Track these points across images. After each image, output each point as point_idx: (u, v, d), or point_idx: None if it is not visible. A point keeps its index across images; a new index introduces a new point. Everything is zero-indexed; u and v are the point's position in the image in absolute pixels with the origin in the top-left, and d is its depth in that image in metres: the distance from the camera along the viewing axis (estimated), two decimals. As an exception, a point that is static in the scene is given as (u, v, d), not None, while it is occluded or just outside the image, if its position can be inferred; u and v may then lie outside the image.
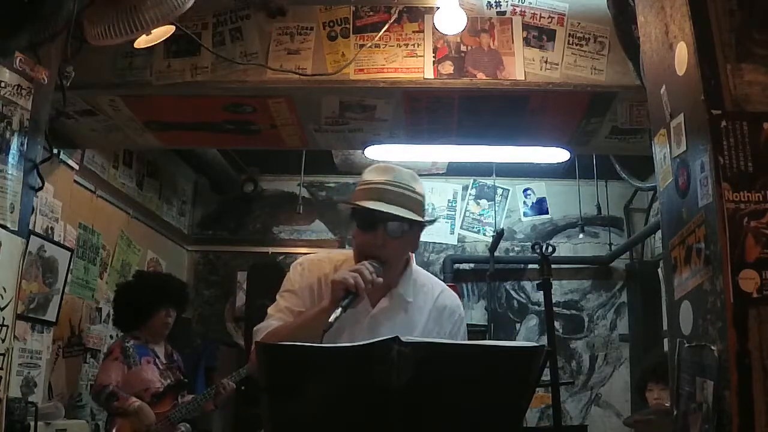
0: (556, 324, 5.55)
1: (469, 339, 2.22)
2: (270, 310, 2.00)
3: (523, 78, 3.09)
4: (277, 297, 2.02)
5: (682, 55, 1.74)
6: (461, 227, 5.99)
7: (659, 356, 3.66)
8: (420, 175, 6.05)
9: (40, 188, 2.41)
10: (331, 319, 1.70)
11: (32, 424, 2.92)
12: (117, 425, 3.43)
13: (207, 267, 6.01)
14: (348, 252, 2.04)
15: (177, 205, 5.76)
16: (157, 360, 3.71)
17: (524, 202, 6.05)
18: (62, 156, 3.81)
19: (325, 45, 3.13)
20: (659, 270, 5.29)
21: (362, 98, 3.30)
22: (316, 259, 2.07)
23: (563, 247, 5.76)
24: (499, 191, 6.02)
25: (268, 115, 3.45)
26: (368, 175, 1.96)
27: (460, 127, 3.53)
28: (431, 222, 2.05)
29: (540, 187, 6.04)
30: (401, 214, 1.88)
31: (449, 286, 5.98)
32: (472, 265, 5.90)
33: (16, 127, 1.92)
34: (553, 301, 2.72)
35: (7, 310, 1.84)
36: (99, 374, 3.64)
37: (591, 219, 5.77)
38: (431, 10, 3.08)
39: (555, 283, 3.58)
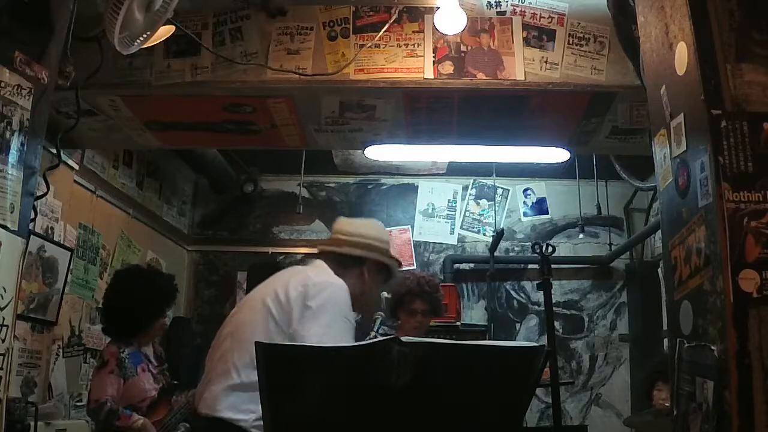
0: (556, 324, 5.55)
1: (469, 339, 2.28)
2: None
3: (523, 78, 3.09)
4: (341, 323, 2.07)
5: (682, 55, 1.74)
6: (461, 227, 5.99)
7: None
8: (420, 175, 6.04)
9: (45, 194, 2.42)
10: None
11: (32, 424, 2.91)
12: None
13: (207, 267, 6.00)
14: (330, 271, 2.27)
15: (177, 205, 5.76)
16: (149, 366, 3.60)
17: (524, 202, 6.05)
18: (62, 156, 3.81)
19: (325, 45, 3.13)
20: (659, 270, 5.29)
21: (362, 98, 3.30)
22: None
23: (563, 247, 5.76)
24: (499, 191, 6.02)
25: (268, 115, 3.45)
26: (386, 234, 2.49)
27: (460, 127, 3.53)
28: None
29: (540, 187, 6.04)
30: None
31: (448, 286, 5.94)
32: (472, 265, 5.90)
33: (16, 127, 1.91)
34: (553, 301, 2.71)
35: (7, 310, 1.84)
36: (93, 388, 3.31)
37: (591, 219, 5.77)
38: (431, 10, 3.08)
39: (555, 283, 3.57)
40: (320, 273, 2.23)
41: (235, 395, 1.98)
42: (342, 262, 2.30)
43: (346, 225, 2.44)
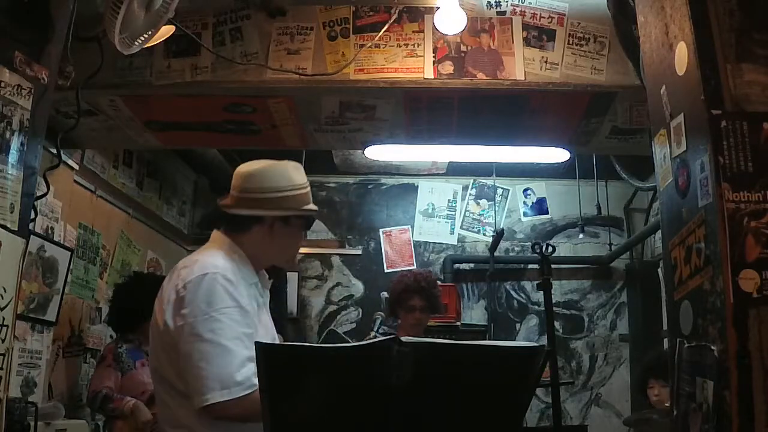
0: (556, 324, 5.55)
1: (469, 339, 2.23)
2: (234, 346, 1.73)
3: (523, 78, 3.09)
4: (225, 319, 1.75)
5: (682, 55, 1.74)
6: (461, 227, 5.99)
7: (659, 353, 3.66)
8: (420, 175, 6.02)
9: (45, 194, 2.42)
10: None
11: (32, 424, 2.91)
12: (117, 428, 3.42)
13: (207, 267, 5.99)
14: (220, 251, 1.92)
15: (177, 205, 5.76)
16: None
17: (524, 202, 6.05)
18: (62, 156, 3.81)
19: (325, 45, 3.13)
20: (659, 270, 5.29)
21: (362, 98, 3.30)
22: (226, 270, 1.85)
23: (563, 247, 5.76)
24: (499, 191, 6.03)
25: (268, 115, 3.45)
26: (297, 176, 2.01)
27: (460, 127, 3.53)
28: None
29: (540, 187, 6.05)
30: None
31: (448, 285, 5.95)
32: (472, 265, 5.90)
33: (16, 127, 1.91)
34: (553, 301, 2.72)
35: (7, 310, 1.84)
36: (92, 381, 3.63)
37: (591, 219, 5.77)
38: (431, 10, 3.08)
39: (555, 283, 3.57)
40: (194, 263, 1.86)
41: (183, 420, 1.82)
42: (239, 224, 1.97)
43: (240, 179, 1.99)
